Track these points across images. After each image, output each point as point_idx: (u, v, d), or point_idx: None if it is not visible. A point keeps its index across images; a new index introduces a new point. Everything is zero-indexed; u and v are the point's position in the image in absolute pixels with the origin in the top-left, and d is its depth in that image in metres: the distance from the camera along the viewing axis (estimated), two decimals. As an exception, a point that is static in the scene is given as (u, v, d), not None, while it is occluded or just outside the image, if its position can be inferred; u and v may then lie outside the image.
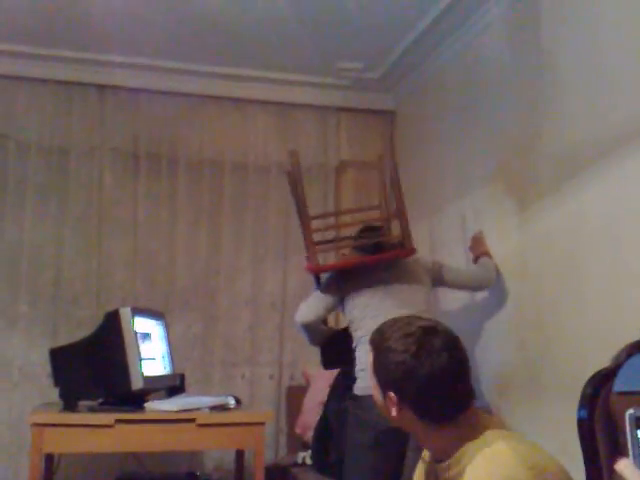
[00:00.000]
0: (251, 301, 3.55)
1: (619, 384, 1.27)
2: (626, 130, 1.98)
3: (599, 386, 1.31)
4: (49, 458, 2.60)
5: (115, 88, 3.47)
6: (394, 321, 1.21)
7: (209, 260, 3.53)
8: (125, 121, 3.49)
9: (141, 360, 2.37)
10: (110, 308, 2.55)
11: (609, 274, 2.04)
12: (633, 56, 1.96)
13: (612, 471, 0.83)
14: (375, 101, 3.65)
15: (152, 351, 2.56)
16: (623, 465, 0.74)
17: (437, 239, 3.16)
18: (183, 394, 2.83)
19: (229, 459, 3.27)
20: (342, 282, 2.45)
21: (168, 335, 2.91)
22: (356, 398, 2.27)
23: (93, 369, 2.35)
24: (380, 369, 1.18)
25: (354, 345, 2.39)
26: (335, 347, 2.53)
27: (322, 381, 3.00)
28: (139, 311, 2.53)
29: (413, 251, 2.43)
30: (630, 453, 0.76)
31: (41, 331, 3.25)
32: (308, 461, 2.88)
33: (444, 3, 2.80)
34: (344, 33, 3.07)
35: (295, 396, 3.37)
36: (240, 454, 2.91)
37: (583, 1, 2.20)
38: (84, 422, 2.23)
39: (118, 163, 3.47)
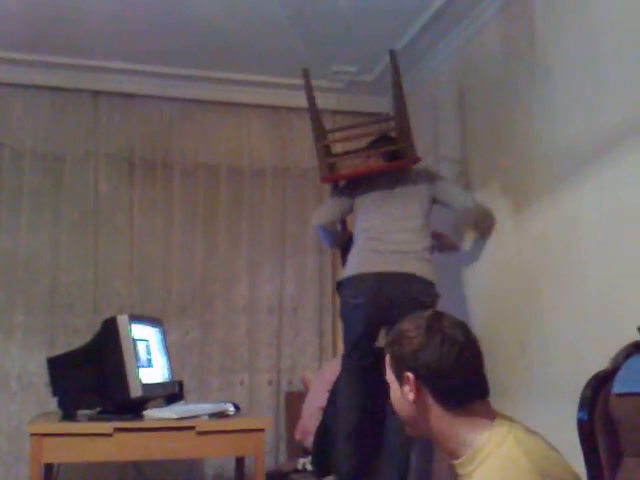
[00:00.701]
0: (248, 307, 3.55)
1: (618, 385, 1.29)
2: (622, 129, 1.98)
3: (598, 388, 1.34)
4: (48, 468, 2.59)
5: (109, 94, 3.48)
6: (404, 319, 1.26)
7: (205, 266, 3.54)
8: (120, 127, 3.50)
9: (139, 367, 2.38)
10: (107, 315, 2.55)
11: (606, 275, 2.04)
12: (629, 56, 1.96)
13: (613, 470, 0.99)
14: (370, 104, 3.64)
15: (150, 358, 2.58)
16: None
17: None
18: (182, 402, 2.83)
19: (229, 466, 3.28)
20: (354, 186, 2.72)
21: (166, 342, 2.92)
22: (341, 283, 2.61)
23: (91, 377, 2.34)
24: (395, 355, 1.21)
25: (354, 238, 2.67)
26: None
27: (321, 386, 3.01)
28: (136, 318, 2.53)
29: (418, 159, 2.66)
30: None
31: (38, 340, 3.25)
32: (308, 467, 2.90)
33: (437, 5, 2.81)
34: (338, 37, 3.09)
35: (294, 402, 3.38)
36: (240, 461, 2.91)
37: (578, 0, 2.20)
38: (83, 431, 2.23)
39: (113, 169, 3.48)
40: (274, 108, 3.63)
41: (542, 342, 2.34)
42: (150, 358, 2.56)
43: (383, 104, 3.62)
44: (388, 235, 2.61)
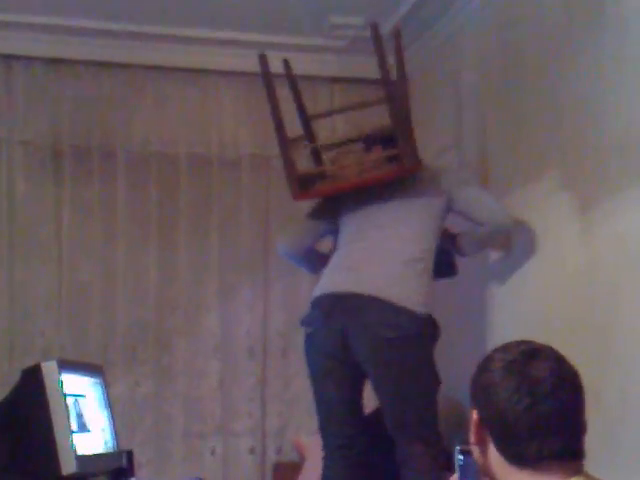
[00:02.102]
0: (221, 347, 3.58)
1: None
2: None
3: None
4: None
5: (26, 59, 3.50)
6: (503, 344, 1.38)
7: (161, 292, 3.58)
8: (41, 104, 3.53)
9: (73, 434, 2.32)
10: (28, 363, 2.50)
11: None
12: None
13: None
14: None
15: (87, 421, 2.54)
16: None
17: None
18: (132, 479, 2.83)
19: None
20: (335, 201, 2.78)
21: (108, 397, 2.85)
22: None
23: (9, 448, 2.31)
24: (471, 382, 1.37)
25: None
26: None
27: (321, 455, 2.92)
28: (68, 365, 2.50)
29: (416, 167, 2.70)
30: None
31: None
32: None
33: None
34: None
35: (285, 476, 3.43)
36: None
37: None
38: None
39: (33, 161, 3.52)
40: (251, 76, 3.46)
41: (622, 392, 2.34)
42: (87, 420, 2.53)
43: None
44: (366, 247, 2.69)
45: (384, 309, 2.56)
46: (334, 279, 2.68)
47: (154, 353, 3.54)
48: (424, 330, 2.60)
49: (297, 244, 2.87)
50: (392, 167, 2.73)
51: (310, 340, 2.67)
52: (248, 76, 3.59)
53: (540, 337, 2.62)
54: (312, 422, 3.34)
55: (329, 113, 3.39)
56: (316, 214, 2.87)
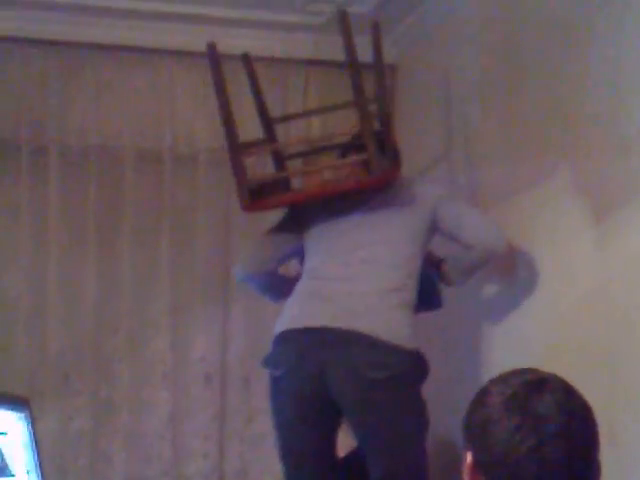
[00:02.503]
0: (171, 375, 3.51)
1: None
2: None
3: None
4: None
5: None
6: (503, 373, 1.36)
7: (101, 309, 3.51)
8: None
9: None
10: None
11: None
12: None
13: None
14: (364, 50, 3.39)
15: (10, 463, 2.49)
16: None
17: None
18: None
19: None
20: (301, 212, 2.79)
21: (36, 434, 2.71)
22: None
23: None
24: (465, 417, 1.34)
25: None
26: None
27: None
28: (-14, 397, 2.47)
29: (381, 179, 2.69)
30: None
31: None
32: None
33: None
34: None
35: (249, 528, 3.42)
36: None
37: None
38: None
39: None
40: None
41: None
42: (9, 462, 2.48)
43: (385, 50, 3.54)
44: (338, 270, 2.67)
45: (368, 346, 2.54)
46: (305, 311, 2.63)
47: (91, 382, 3.46)
48: (414, 368, 2.59)
49: (257, 266, 2.82)
50: (360, 176, 2.73)
51: (278, 384, 2.61)
52: (206, 57, 3.46)
53: (546, 367, 2.62)
54: (277, 465, 3.29)
55: (294, 116, 3.33)
56: (280, 230, 2.85)
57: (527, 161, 2.90)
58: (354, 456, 2.79)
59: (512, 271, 2.97)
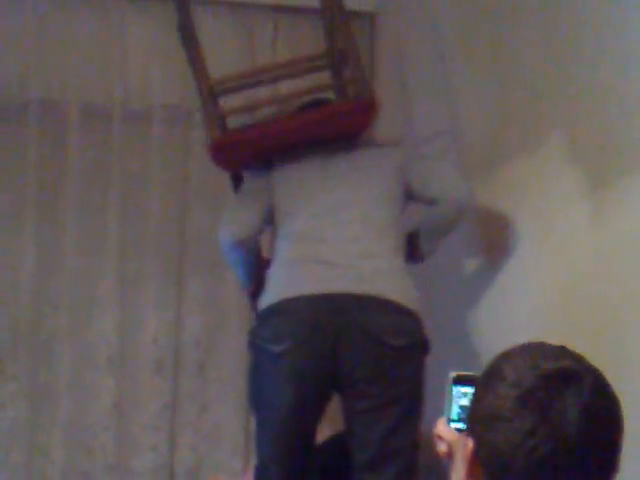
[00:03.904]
0: (116, 358, 3.45)
1: None
2: None
3: None
4: None
5: None
6: (521, 349, 1.31)
7: (39, 284, 3.44)
8: None
9: None
10: None
11: None
12: None
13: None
14: None
15: None
16: (441, 425, 1.33)
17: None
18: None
19: None
20: (270, 166, 2.77)
21: None
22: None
23: None
24: (471, 407, 1.30)
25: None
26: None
27: None
28: None
29: (373, 104, 2.75)
30: (445, 409, 1.36)
31: None
32: None
33: None
34: None
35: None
36: None
37: None
38: None
39: None
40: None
41: (634, 384, 2.26)
42: None
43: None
44: (332, 232, 2.67)
45: (387, 310, 2.57)
46: (307, 277, 2.60)
47: (27, 366, 3.39)
48: (426, 335, 2.62)
49: (249, 229, 2.75)
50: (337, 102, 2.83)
51: (276, 361, 2.55)
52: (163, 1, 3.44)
53: (557, 330, 2.67)
54: (235, 459, 3.51)
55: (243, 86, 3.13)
56: (257, 190, 2.80)
57: (515, 124, 2.89)
58: (334, 442, 2.83)
59: (498, 248, 2.99)
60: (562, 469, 1.20)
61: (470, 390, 1.33)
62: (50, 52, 3.46)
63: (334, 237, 2.65)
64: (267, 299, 2.62)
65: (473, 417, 1.28)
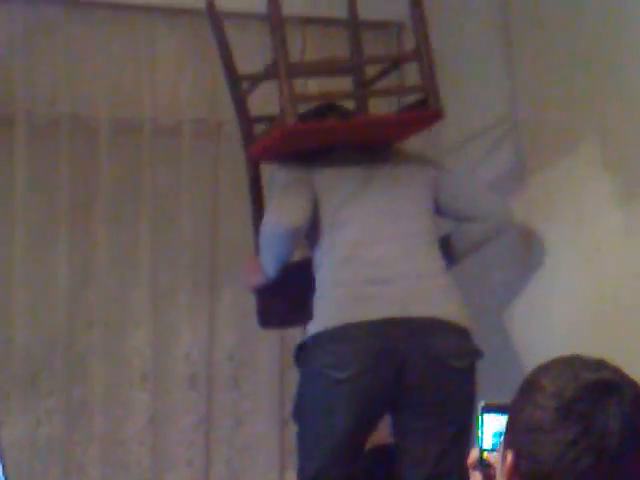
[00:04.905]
0: (151, 374, 3.47)
1: None
2: None
3: None
4: None
5: None
6: (560, 361, 1.31)
7: (73, 300, 3.44)
8: None
9: None
10: None
11: None
12: None
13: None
14: (368, 5, 3.38)
15: None
16: (472, 456, 1.38)
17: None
18: None
19: None
20: (310, 164, 2.77)
21: (0, 442, 2.77)
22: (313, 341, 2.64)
23: None
24: (510, 418, 1.30)
25: (315, 269, 2.74)
26: (294, 290, 2.82)
27: None
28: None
29: (438, 115, 2.75)
30: (478, 439, 1.39)
31: None
32: None
33: None
34: None
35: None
36: None
37: None
38: None
39: None
40: (199, 15, 3.34)
41: None
42: None
43: (391, 5, 3.52)
44: (384, 249, 2.68)
45: (448, 332, 2.60)
46: (365, 301, 2.62)
47: (62, 383, 3.40)
48: (478, 348, 2.66)
49: (302, 212, 2.71)
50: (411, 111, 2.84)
51: (338, 387, 2.56)
52: (194, 15, 3.46)
53: (570, 353, 2.57)
54: (270, 473, 3.54)
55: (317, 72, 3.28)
56: (296, 175, 2.80)
57: (550, 131, 2.90)
58: (380, 450, 2.90)
59: (531, 257, 2.98)
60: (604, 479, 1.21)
61: (501, 417, 1.34)
62: (81, 68, 3.49)
63: (386, 255, 2.65)
64: (323, 322, 2.62)
65: (512, 429, 1.28)
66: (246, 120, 2.92)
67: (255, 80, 3.03)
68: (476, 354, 2.63)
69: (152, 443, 3.42)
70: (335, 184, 2.75)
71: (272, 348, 3.53)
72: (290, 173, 2.81)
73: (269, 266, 2.78)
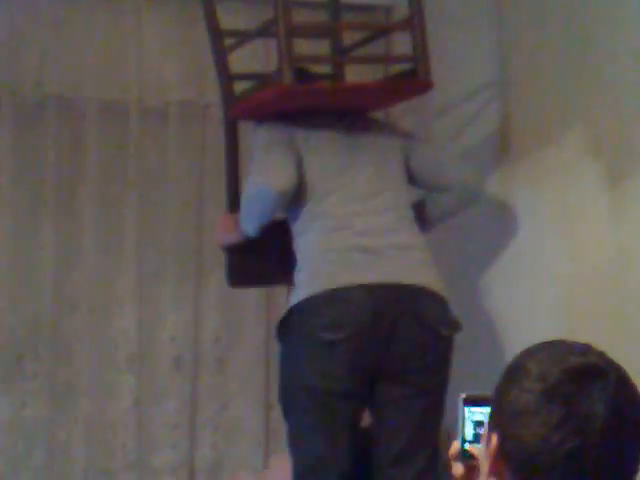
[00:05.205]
0: (137, 357, 3.47)
1: None
2: None
3: None
4: None
5: None
6: (545, 345, 1.31)
7: (58, 283, 3.45)
8: None
9: None
10: None
11: None
12: None
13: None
14: None
15: None
16: (454, 448, 1.37)
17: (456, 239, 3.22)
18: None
19: None
20: (293, 123, 2.78)
21: None
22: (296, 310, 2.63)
23: None
24: (494, 401, 1.30)
25: (296, 234, 2.74)
26: (266, 249, 2.86)
27: None
28: None
29: (427, 86, 2.79)
30: (459, 431, 1.38)
31: None
32: None
33: None
34: None
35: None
36: None
37: None
38: None
39: None
40: None
41: None
42: None
43: None
44: (369, 221, 2.71)
45: (435, 301, 2.64)
46: (356, 266, 2.64)
47: (47, 365, 3.41)
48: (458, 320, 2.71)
49: (290, 175, 2.70)
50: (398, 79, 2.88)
51: (333, 349, 2.58)
52: None
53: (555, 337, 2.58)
54: (255, 455, 3.55)
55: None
56: (280, 138, 2.79)
57: (539, 116, 2.90)
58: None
59: (519, 240, 2.99)
60: (588, 462, 1.21)
61: (482, 410, 1.36)
62: (67, 50, 3.48)
63: (375, 227, 2.68)
64: (312, 287, 2.62)
65: (497, 412, 1.29)
66: (227, 77, 2.89)
67: (244, 37, 3.02)
68: (459, 325, 2.66)
69: (137, 425, 3.43)
70: (319, 149, 2.76)
71: (258, 331, 3.55)
72: (273, 133, 2.81)
73: (250, 226, 2.76)
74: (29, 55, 3.45)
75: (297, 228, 2.73)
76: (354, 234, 2.67)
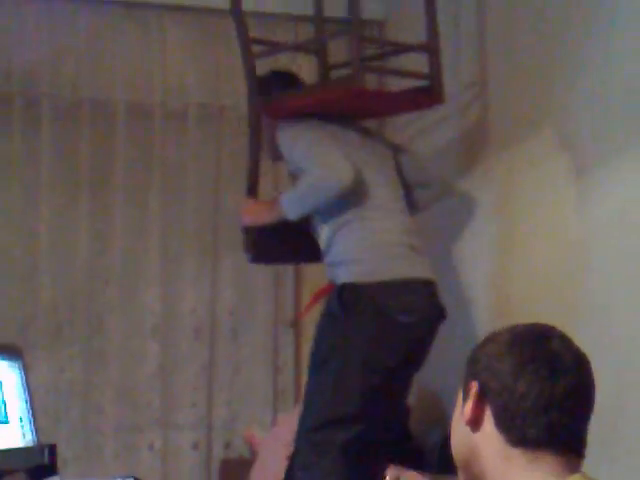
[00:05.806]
0: (161, 327, 3.63)
1: None
2: None
3: None
4: None
5: None
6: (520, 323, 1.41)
7: (92, 262, 3.61)
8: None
9: None
10: None
11: None
12: None
13: None
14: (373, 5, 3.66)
15: (5, 410, 2.45)
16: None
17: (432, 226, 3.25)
18: (55, 477, 2.78)
19: None
20: (328, 128, 2.85)
21: (28, 384, 2.70)
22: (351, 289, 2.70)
23: None
24: (469, 359, 1.39)
25: (334, 227, 2.78)
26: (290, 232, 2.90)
27: (276, 451, 3.09)
28: (-20, 347, 2.52)
29: (442, 100, 2.94)
30: None
31: None
32: None
33: None
34: None
35: (234, 474, 3.48)
36: None
37: None
38: None
39: None
40: (202, 12, 3.63)
41: (620, 379, 2.37)
42: (4, 410, 2.46)
43: (373, 4, 3.64)
44: (403, 217, 2.87)
45: (439, 294, 2.82)
46: (412, 261, 2.80)
47: (83, 333, 3.57)
48: None
49: (352, 165, 2.74)
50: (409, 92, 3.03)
51: (403, 330, 2.71)
52: (198, 12, 3.67)
53: (527, 320, 2.74)
54: (265, 413, 3.69)
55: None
56: (321, 131, 2.87)
57: (509, 110, 2.95)
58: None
59: (486, 231, 3.06)
60: (562, 391, 1.29)
61: None
62: (100, 58, 3.62)
63: (406, 227, 2.82)
64: (384, 272, 2.71)
65: (476, 362, 1.36)
66: (254, 80, 2.92)
67: (278, 47, 3.25)
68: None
69: (161, 387, 3.58)
70: (348, 147, 2.81)
71: (267, 305, 3.70)
72: (317, 130, 2.83)
73: (298, 211, 2.76)
74: (67, 63, 3.60)
75: (338, 219, 2.76)
76: (400, 232, 2.80)
